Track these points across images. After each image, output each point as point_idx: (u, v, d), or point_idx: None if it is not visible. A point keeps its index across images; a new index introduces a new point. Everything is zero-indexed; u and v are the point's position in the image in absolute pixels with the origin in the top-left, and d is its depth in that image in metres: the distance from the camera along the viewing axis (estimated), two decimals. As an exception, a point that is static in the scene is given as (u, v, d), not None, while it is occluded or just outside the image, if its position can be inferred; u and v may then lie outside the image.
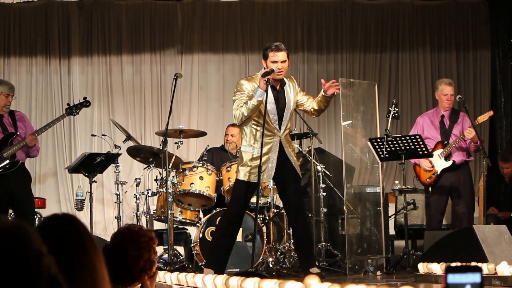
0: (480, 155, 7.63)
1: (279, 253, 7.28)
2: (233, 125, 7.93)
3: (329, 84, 6.07)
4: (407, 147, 7.10)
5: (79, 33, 10.03)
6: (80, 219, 1.96)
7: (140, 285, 2.92)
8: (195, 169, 7.41)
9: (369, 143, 7.23)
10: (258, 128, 6.06)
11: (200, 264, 7.16)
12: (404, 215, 7.32)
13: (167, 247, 7.29)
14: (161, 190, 7.50)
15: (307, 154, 7.81)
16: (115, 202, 7.86)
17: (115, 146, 7.88)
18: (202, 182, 7.38)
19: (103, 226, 9.65)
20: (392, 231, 8.42)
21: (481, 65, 10.69)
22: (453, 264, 5.20)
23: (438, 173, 7.50)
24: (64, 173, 9.66)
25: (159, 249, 7.59)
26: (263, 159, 5.93)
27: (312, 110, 6.25)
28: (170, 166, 7.30)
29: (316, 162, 7.66)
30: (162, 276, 5.22)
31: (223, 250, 6.13)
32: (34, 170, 9.45)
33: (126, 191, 8.30)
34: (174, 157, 7.44)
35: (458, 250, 6.04)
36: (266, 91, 5.89)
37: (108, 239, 3.08)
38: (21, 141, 7.10)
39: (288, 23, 10.48)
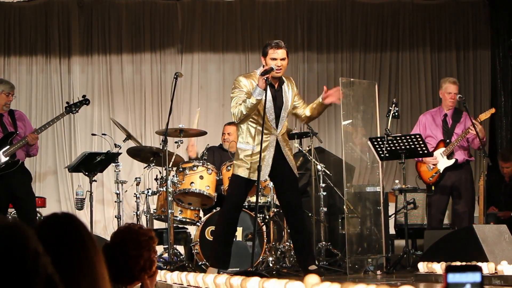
0: (480, 155, 7.63)
1: (279, 252, 7.27)
2: (230, 123, 7.92)
3: (331, 91, 6.04)
4: (407, 147, 7.10)
5: (79, 32, 10.02)
6: (80, 218, 1.95)
7: (140, 284, 2.92)
8: (195, 168, 7.40)
9: (369, 143, 7.22)
10: (255, 126, 6.06)
11: (200, 263, 7.16)
12: (404, 215, 7.32)
13: (167, 246, 7.29)
14: (161, 189, 7.49)
15: (307, 153, 7.81)
16: (115, 201, 7.86)
17: (115, 145, 7.88)
18: (202, 181, 7.38)
19: (103, 225, 9.65)
20: (392, 231, 8.42)
21: (481, 65, 10.69)
22: (453, 264, 5.20)
23: (441, 171, 7.50)
24: (64, 172, 9.65)
25: (159, 248, 7.59)
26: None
27: (303, 116, 6.24)
28: (170, 165, 7.30)
29: (316, 162, 7.66)
30: (163, 276, 5.22)
31: (224, 245, 6.14)
32: (34, 169, 9.45)
33: (126, 190, 8.29)
34: (174, 156, 7.43)
35: (458, 249, 6.03)
36: (265, 90, 5.89)
37: (108, 238, 3.08)
38: (22, 140, 7.08)
39: (288, 22, 10.47)
